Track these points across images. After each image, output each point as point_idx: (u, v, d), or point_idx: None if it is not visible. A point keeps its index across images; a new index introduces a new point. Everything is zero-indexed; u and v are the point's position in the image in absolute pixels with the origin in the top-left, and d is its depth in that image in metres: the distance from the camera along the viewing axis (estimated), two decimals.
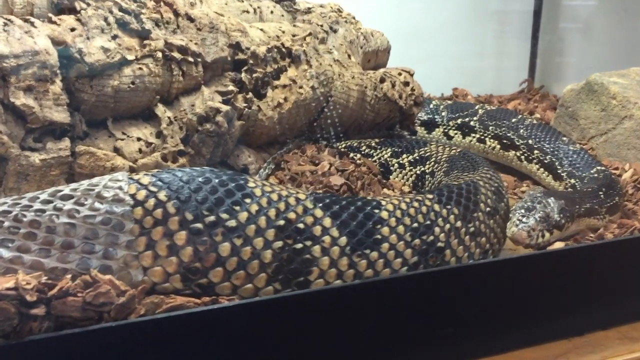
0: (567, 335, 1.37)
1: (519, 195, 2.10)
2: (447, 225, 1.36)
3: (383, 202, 1.31)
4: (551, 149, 2.21)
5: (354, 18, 2.44)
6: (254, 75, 1.87)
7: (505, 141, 2.38)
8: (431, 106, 2.63)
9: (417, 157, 2.09)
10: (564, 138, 2.24)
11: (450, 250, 1.34)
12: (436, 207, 1.36)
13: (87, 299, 1.01)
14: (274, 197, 1.20)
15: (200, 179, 1.17)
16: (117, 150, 1.58)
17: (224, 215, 1.14)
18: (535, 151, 2.25)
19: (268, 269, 1.16)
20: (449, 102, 2.71)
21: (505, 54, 3.61)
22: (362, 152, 2.11)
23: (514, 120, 2.39)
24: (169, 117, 1.67)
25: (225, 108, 1.73)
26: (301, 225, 1.19)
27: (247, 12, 2.12)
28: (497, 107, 2.67)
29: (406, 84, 2.37)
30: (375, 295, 1.15)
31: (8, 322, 0.96)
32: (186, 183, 1.15)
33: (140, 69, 1.60)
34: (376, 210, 1.27)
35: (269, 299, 1.11)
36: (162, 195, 1.13)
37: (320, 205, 1.23)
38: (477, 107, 2.56)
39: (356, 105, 2.19)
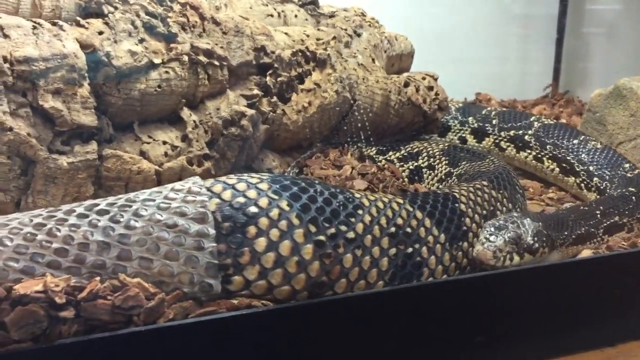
0: (599, 345, 1.34)
1: (545, 202, 2.07)
2: (504, 209, 1.50)
3: (457, 195, 1.38)
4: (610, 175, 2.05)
5: (377, 22, 2.43)
6: (279, 79, 1.86)
7: (564, 165, 2.20)
8: (483, 112, 2.49)
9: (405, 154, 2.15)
10: (626, 165, 2.08)
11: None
12: (493, 193, 1.50)
13: (117, 302, 1.00)
14: (380, 205, 1.22)
15: (312, 190, 1.16)
16: (143, 153, 1.58)
17: (343, 227, 1.13)
18: (595, 179, 2.08)
19: (385, 276, 1.18)
20: (503, 109, 2.57)
21: (529, 59, 3.57)
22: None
23: (575, 142, 2.22)
24: (194, 121, 1.67)
25: (250, 112, 1.73)
26: (409, 230, 1.23)
27: (272, 15, 2.12)
28: (554, 121, 2.44)
29: (430, 88, 2.35)
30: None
31: (37, 324, 0.96)
32: (303, 193, 1.14)
33: (166, 72, 1.60)
34: (457, 204, 1.36)
35: (304, 304, 1.09)
36: (284, 205, 1.11)
37: (417, 206, 1.27)
38: (532, 119, 2.39)
39: (380, 110, 2.17)
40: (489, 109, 2.51)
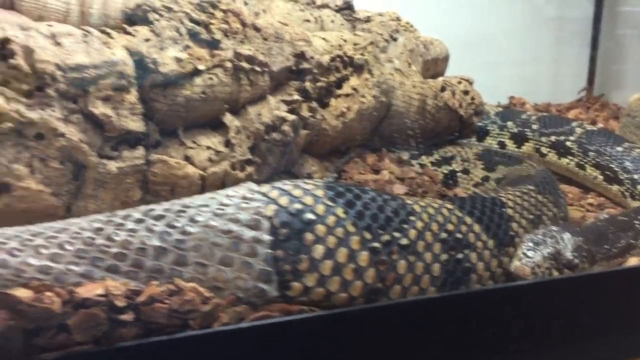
0: None
1: (586, 207, 2.05)
2: (550, 213, 1.50)
3: (504, 200, 1.39)
4: None
5: (412, 26, 2.43)
6: (318, 84, 1.88)
7: (608, 173, 2.16)
8: (523, 117, 2.48)
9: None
10: None
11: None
12: (539, 197, 1.50)
13: (174, 306, 1.02)
14: (431, 210, 1.23)
15: (366, 197, 1.17)
16: (187, 158, 1.60)
17: (396, 234, 1.15)
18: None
19: (437, 282, 1.19)
20: (544, 114, 2.56)
21: (562, 62, 3.53)
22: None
23: (619, 149, 2.18)
24: (236, 126, 1.69)
25: (291, 117, 1.75)
26: (459, 235, 1.24)
27: (309, 21, 2.14)
28: (596, 127, 2.41)
29: (466, 92, 2.35)
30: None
31: (99, 327, 0.98)
32: (357, 200, 1.15)
33: (210, 78, 1.62)
34: (504, 209, 1.36)
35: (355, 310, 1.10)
36: (340, 212, 1.12)
37: (466, 211, 1.28)
38: (574, 125, 2.35)
39: (416, 114, 2.18)
40: (528, 113, 2.49)
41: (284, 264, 1.05)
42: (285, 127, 1.74)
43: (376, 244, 1.12)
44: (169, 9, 1.63)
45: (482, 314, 1.14)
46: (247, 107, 1.74)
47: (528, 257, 1.34)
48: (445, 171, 2.14)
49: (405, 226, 1.17)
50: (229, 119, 1.68)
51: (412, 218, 1.18)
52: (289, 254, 1.06)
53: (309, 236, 1.07)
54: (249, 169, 1.69)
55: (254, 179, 1.70)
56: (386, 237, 1.13)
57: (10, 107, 1.30)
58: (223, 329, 1.05)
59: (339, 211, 1.12)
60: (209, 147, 1.64)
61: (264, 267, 1.04)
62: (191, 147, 1.62)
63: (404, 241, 1.15)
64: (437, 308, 1.11)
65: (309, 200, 1.11)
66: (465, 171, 2.11)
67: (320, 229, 1.09)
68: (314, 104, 1.85)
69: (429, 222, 1.20)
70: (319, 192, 1.13)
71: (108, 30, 1.53)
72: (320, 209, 1.11)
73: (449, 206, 1.28)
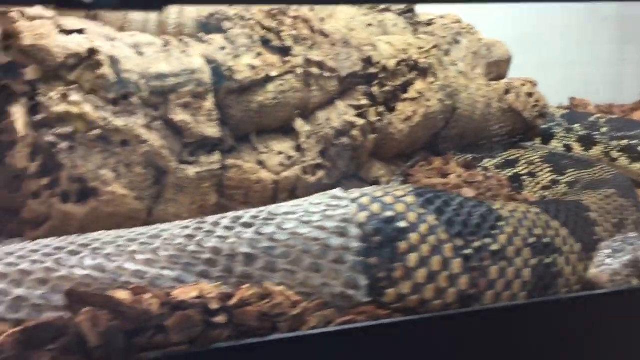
0: None
1: None
2: (633, 217, 1.47)
3: (586, 204, 1.38)
4: None
5: (473, 28, 2.41)
6: (385, 88, 1.89)
7: None
8: (591, 119, 2.43)
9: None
10: None
11: None
12: (622, 201, 1.47)
13: (264, 310, 1.05)
14: (518, 215, 1.24)
15: (454, 203, 1.19)
16: (260, 163, 1.63)
17: (487, 240, 1.16)
18: None
19: (527, 287, 1.19)
20: (613, 116, 2.50)
21: (624, 61, 3.45)
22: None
23: None
24: (307, 131, 1.71)
25: (360, 122, 1.76)
26: (547, 240, 1.23)
27: (372, 25, 2.15)
28: None
29: (530, 94, 2.32)
30: None
31: (194, 329, 1.02)
32: (447, 206, 1.17)
33: (282, 84, 1.65)
34: (588, 213, 1.35)
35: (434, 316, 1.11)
36: (432, 219, 1.14)
37: (552, 215, 1.28)
38: None
39: (481, 118, 2.16)
40: (597, 115, 2.44)
41: (378, 271, 1.06)
42: (354, 132, 1.75)
43: (468, 251, 1.13)
44: (242, 17, 1.67)
45: (573, 320, 1.14)
46: (317, 112, 1.76)
47: (606, 264, 1.31)
48: (509, 174, 2.12)
49: (495, 232, 1.17)
50: (299, 124, 1.71)
51: (500, 223, 1.19)
52: (382, 261, 1.07)
53: (402, 245, 1.08)
54: (320, 174, 1.71)
55: (324, 183, 1.72)
56: (477, 244, 1.14)
57: (98, 115, 1.36)
58: (309, 333, 1.07)
59: (431, 219, 1.13)
60: (280, 152, 1.67)
61: (353, 273, 1.05)
62: (263, 152, 1.65)
63: (495, 247, 1.16)
64: (527, 314, 1.10)
65: (400, 207, 1.12)
66: (532, 174, 2.08)
67: (414, 237, 1.10)
68: (381, 109, 1.86)
69: (517, 226, 1.20)
70: (410, 199, 1.14)
71: (186, 39, 1.57)
72: (412, 216, 1.12)
73: (535, 210, 1.28)
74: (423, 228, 1.11)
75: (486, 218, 1.18)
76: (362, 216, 1.09)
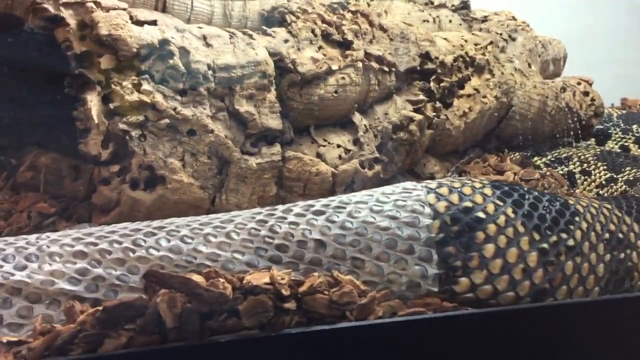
0: None
1: None
2: None
3: None
4: None
5: (528, 25, 2.39)
6: (442, 84, 1.89)
7: None
8: None
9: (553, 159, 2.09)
10: None
11: None
12: None
13: (334, 297, 1.06)
14: (593, 211, 1.24)
15: (531, 197, 1.20)
16: (319, 156, 1.65)
17: (564, 235, 1.17)
18: None
19: (601, 282, 1.20)
20: None
21: None
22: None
23: None
24: (365, 125, 1.72)
25: (418, 117, 1.76)
26: (620, 235, 1.24)
27: (427, 21, 2.15)
28: None
29: (586, 93, 2.29)
30: None
31: (265, 314, 1.04)
32: (524, 200, 1.18)
33: (342, 78, 1.66)
34: None
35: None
36: (510, 211, 1.16)
37: (624, 211, 1.28)
38: None
39: (536, 116, 2.14)
40: None
41: (455, 260, 1.07)
42: (412, 127, 1.76)
43: (545, 245, 1.13)
44: (304, 11, 1.68)
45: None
46: (375, 106, 1.78)
47: None
48: (562, 172, 2.09)
49: (571, 227, 1.17)
50: (358, 118, 1.72)
51: (577, 219, 1.19)
52: (459, 250, 1.08)
53: (480, 235, 1.09)
54: (377, 168, 1.72)
55: (381, 177, 1.73)
56: (554, 238, 1.14)
57: (168, 105, 1.39)
58: (377, 322, 1.08)
59: (509, 211, 1.13)
60: (339, 145, 1.69)
61: (428, 263, 1.07)
62: (322, 145, 1.67)
63: (571, 242, 1.16)
64: (600, 311, 1.10)
65: (479, 198, 1.13)
66: (586, 172, 2.05)
67: (492, 227, 1.11)
68: (438, 104, 1.86)
69: (592, 222, 1.20)
70: (487, 191, 1.15)
71: (250, 32, 1.60)
72: (490, 207, 1.12)
73: (608, 206, 1.27)
74: (501, 220, 1.12)
75: (563, 213, 1.18)
76: (442, 205, 1.11)
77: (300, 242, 1.09)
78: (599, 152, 2.10)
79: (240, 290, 1.04)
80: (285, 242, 1.09)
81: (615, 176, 1.95)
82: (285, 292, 1.05)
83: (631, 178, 1.86)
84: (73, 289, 1.06)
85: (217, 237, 1.10)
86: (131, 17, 1.39)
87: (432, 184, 1.16)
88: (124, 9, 1.39)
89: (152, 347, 0.98)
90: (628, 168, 1.93)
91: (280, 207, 1.15)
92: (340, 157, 1.67)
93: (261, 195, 1.56)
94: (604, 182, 1.99)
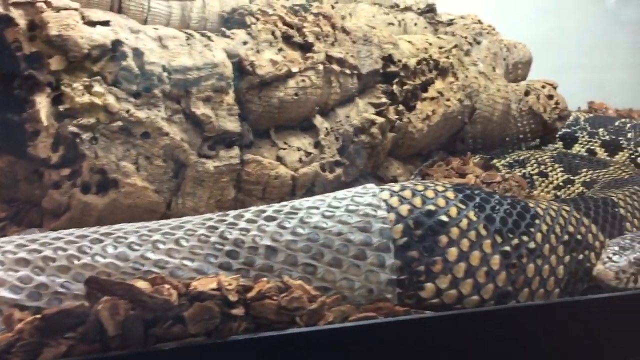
0: None
1: None
2: None
3: (615, 199, 1.39)
4: None
5: (494, 29, 2.40)
6: (405, 87, 1.88)
7: None
8: (616, 124, 2.43)
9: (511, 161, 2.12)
10: None
11: None
12: None
13: (282, 303, 1.05)
14: (552, 213, 1.25)
15: (493, 200, 1.19)
16: (279, 159, 1.63)
17: (525, 238, 1.17)
18: None
19: (561, 284, 1.21)
20: (636, 121, 2.48)
21: None
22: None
23: None
24: (326, 128, 1.71)
25: (380, 120, 1.76)
26: (579, 237, 1.25)
27: (392, 24, 2.15)
28: None
29: (550, 97, 2.30)
30: None
31: (212, 320, 1.02)
32: (486, 203, 1.18)
33: (303, 80, 1.65)
34: (617, 209, 1.37)
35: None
36: (472, 215, 1.15)
37: (582, 212, 1.30)
38: None
39: (500, 119, 2.15)
40: (622, 120, 2.42)
41: (418, 264, 1.07)
42: (374, 130, 1.75)
43: (507, 248, 1.13)
44: (264, 13, 1.67)
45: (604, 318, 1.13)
46: (336, 109, 1.76)
47: (613, 261, 1.30)
48: (519, 174, 2.10)
49: (532, 229, 1.18)
50: (319, 120, 1.71)
51: (537, 221, 1.20)
52: (423, 255, 1.07)
53: (443, 238, 1.08)
54: (338, 171, 1.70)
55: (342, 180, 1.72)
56: (515, 241, 1.15)
57: (120, 107, 1.36)
58: (326, 328, 1.06)
59: (471, 214, 1.13)
60: (299, 149, 1.67)
61: (389, 272, 1.06)
62: (283, 148, 1.65)
63: (532, 244, 1.17)
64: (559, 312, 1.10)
65: (441, 202, 1.12)
66: (543, 174, 2.07)
67: (455, 231, 1.10)
68: (401, 107, 1.85)
69: (552, 224, 1.21)
70: (450, 194, 1.15)
71: (208, 33, 1.58)
72: (453, 211, 1.12)
73: (567, 207, 1.28)
74: (464, 223, 1.12)
75: (524, 215, 1.19)
76: (405, 209, 1.10)
77: (251, 249, 1.08)
78: (555, 154, 2.12)
79: (186, 297, 1.02)
80: (236, 249, 1.07)
81: (572, 178, 1.97)
82: (233, 297, 1.03)
83: (588, 180, 1.88)
84: (14, 297, 1.03)
85: (165, 244, 1.08)
86: (83, 18, 1.36)
87: (396, 187, 1.15)
88: (76, 9, 1.36)
89: (93, 356, 0.96)
90: (584, 169, 1.95)
91: (232, 213, 1.13)
92: (300, 160, 1.66)
93: (219, 198, 1.54)
94: (561, 183, 2.01)
